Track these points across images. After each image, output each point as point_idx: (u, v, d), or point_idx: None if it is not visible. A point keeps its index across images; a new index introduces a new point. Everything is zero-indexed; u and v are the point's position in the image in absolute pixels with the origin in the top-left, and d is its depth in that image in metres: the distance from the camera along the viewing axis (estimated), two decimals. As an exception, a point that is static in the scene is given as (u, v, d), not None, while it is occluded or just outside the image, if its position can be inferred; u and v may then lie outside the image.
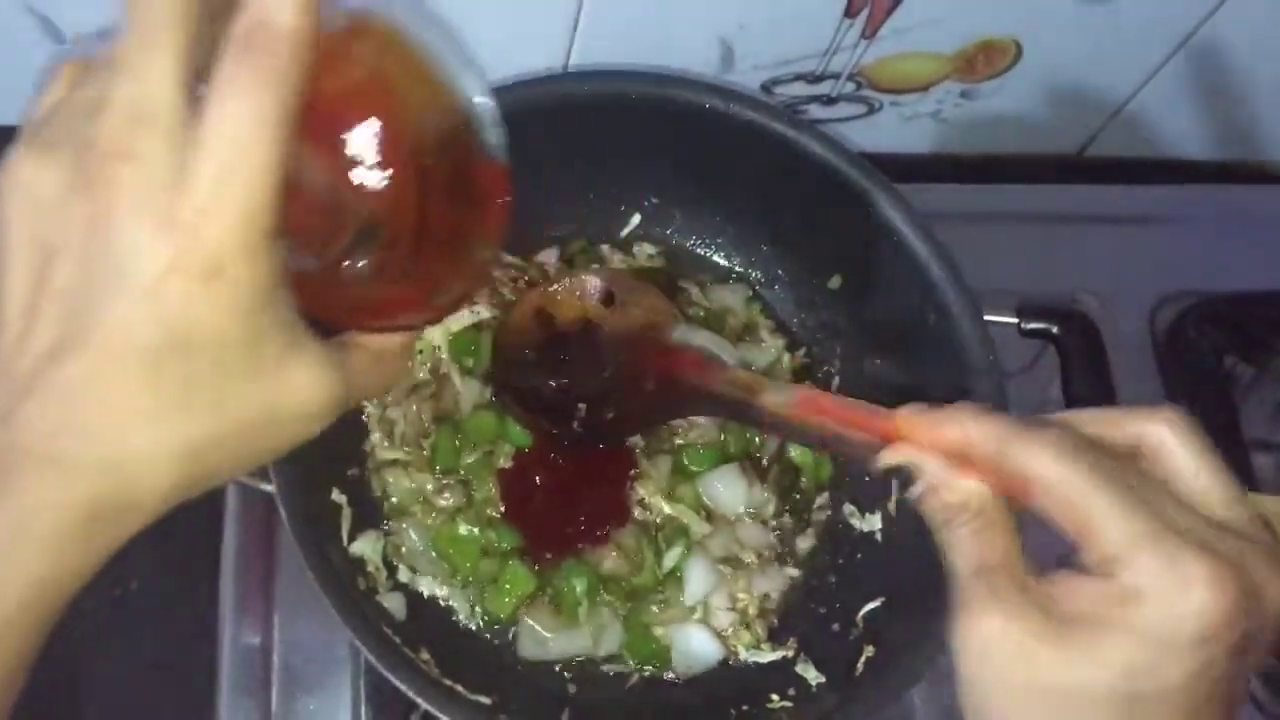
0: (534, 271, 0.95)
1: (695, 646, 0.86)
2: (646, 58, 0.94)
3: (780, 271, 0.98)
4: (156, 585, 0.87)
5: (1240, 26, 1.00)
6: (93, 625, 0.86)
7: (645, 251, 0.99)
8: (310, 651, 0.84)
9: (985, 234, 1.04)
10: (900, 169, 0.93)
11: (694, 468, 0.89)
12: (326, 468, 0.82)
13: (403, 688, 0.70)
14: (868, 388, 0.93)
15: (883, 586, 0.86)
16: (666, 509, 0.87)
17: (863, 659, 0.82)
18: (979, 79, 1.04)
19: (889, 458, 0.55)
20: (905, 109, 1.07)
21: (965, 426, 0.52)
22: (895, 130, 1.09)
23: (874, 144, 1.09)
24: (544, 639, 0.85)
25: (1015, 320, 0.85)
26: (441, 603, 0.85)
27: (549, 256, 0.96)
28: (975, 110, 1.08)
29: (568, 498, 0.87)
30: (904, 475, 0.55)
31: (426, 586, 0.85)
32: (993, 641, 0.49)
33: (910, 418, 0.55)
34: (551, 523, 0.86)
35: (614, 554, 0.86)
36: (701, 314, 0.95)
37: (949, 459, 0.53)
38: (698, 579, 0.87)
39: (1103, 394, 0.82)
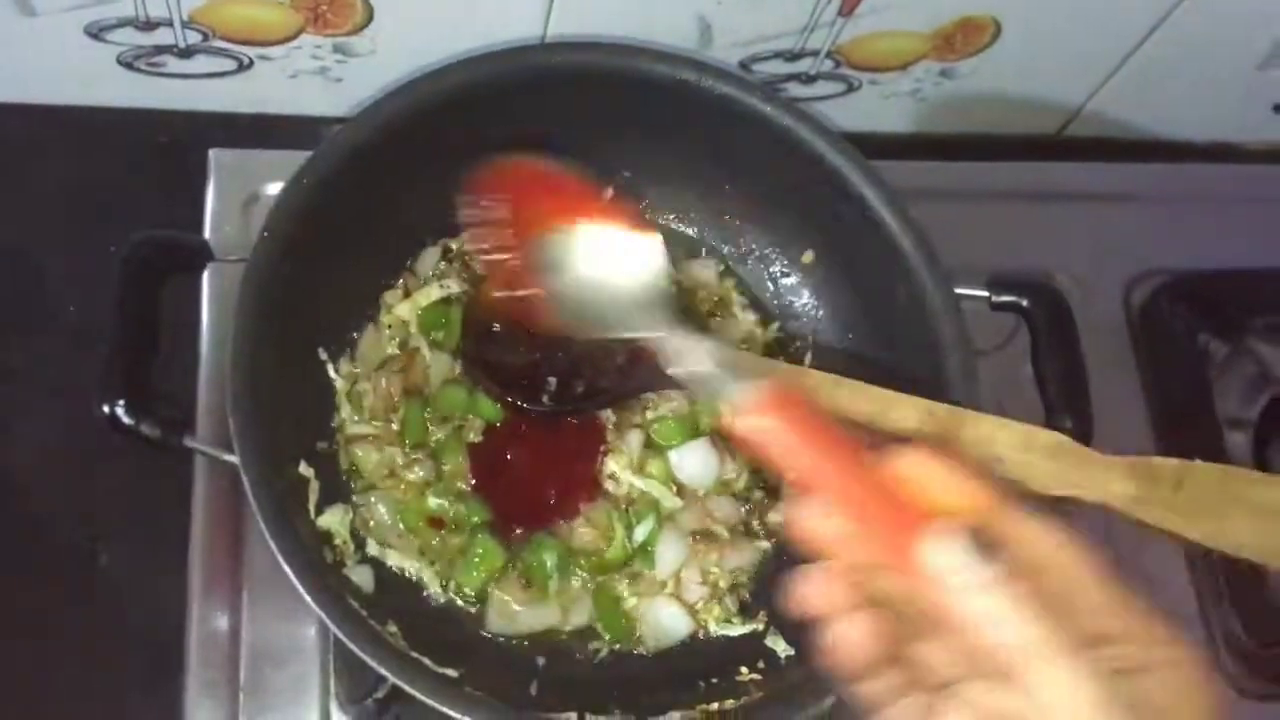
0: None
1: (665, 620, 0.86)
2: (624, 31, 0.93)
3: (753, 246, 0.98)
4: (126, 558, 0.87)
5: (1215, 8, 1.00)
6: (62, 598, 0.85)
7: None
8: (278, 626, 0.83)
9: (962, 212, 1.04)
10: (879, 148, 0.93)
11: (664, 442, 0.89)
12: (294, 440, 0.82)
13: (367, 660, 0.69)
14: (840, 363, 0.93)
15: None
16: (637, 483, 0.87)
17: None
18: (958, 57, 1.03)
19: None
20: (884, 88, 1.06)
21: None
22: (874, 109, 1.09)
23: (852, 123, 1.09)
24: (513, 613, 0.84)
25: (986, 294, 0.85)
26: (410, 576, 0.85)
27: None
28: (954, 89, 1.07)
29: (538, 472, 0.87)
30: None
31: (395, 560, 0.84)
32: None
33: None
34: (521, 497, 0.86)
35: (584, 528, 0.86)
36: (673, 288, 0.95)
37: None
38: (669, 553, 0.86)
39: (1072, 367, 0.82)
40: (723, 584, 0.88)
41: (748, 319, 0.97)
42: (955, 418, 0.75)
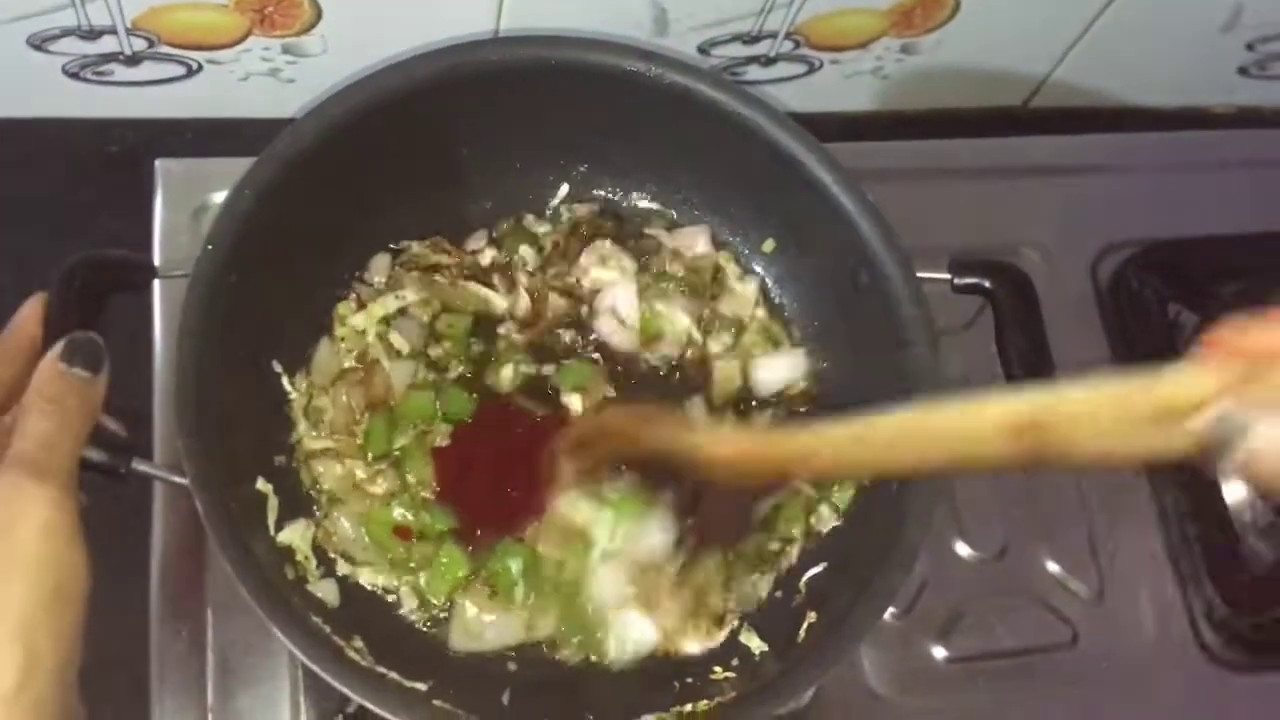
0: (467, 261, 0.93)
1: (631, 632, 0.84)
2: (579, 21, 0.92)
3: (714, 236, 0.96)
4: (93, 581, 0.85)
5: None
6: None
7: (578, 211, 0.96)
8: (245, 645, 0.82)
9: (927, 190, 1.04)
10: (843, 128, 0.92)
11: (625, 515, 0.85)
12: (250, 457, 0.80)
13: (327, 678, 0.68)
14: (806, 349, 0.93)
15: (825, 552, 0.86)
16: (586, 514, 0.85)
17: (805, 625, 0.81)
18: (918, 33, 1.02)
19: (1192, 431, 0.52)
20: (845, 67, 1.05)
21: None
22: (836, 89, 1.08)
23: (815, 104, 1.08)
24: (478, 629, 0.82)
25: (948, 276, 0.83)
26: (377, 590, 0.83)
27: (478, 242, 0.94)
28: (916, 65, 1.07)
29: (504, 471, 0.86)
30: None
31: (366, 577, 0.83)
32: None
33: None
34: (488, 498, 0.85)
35: (548, 535, 0.84)
36: (680, 272, 0.94)
37: None
38: (609, 587, 0.84)
39: (1036, 346, 0.81)
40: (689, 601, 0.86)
41: (747, 289, 0.95)
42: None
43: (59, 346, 0.67)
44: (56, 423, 0.64)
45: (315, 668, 0.69)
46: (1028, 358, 0.80)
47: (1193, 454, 0.55)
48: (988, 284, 0.82)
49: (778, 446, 0.74)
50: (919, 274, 0.82)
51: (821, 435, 0.71)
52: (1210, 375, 0.53)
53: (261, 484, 0.80)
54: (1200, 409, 0.53)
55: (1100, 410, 0.59)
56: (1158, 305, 1.02)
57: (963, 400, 0.63)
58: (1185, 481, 0.98)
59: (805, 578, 0.85)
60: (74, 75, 0.93)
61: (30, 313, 0.73)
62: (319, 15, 0.89)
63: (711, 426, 0.85)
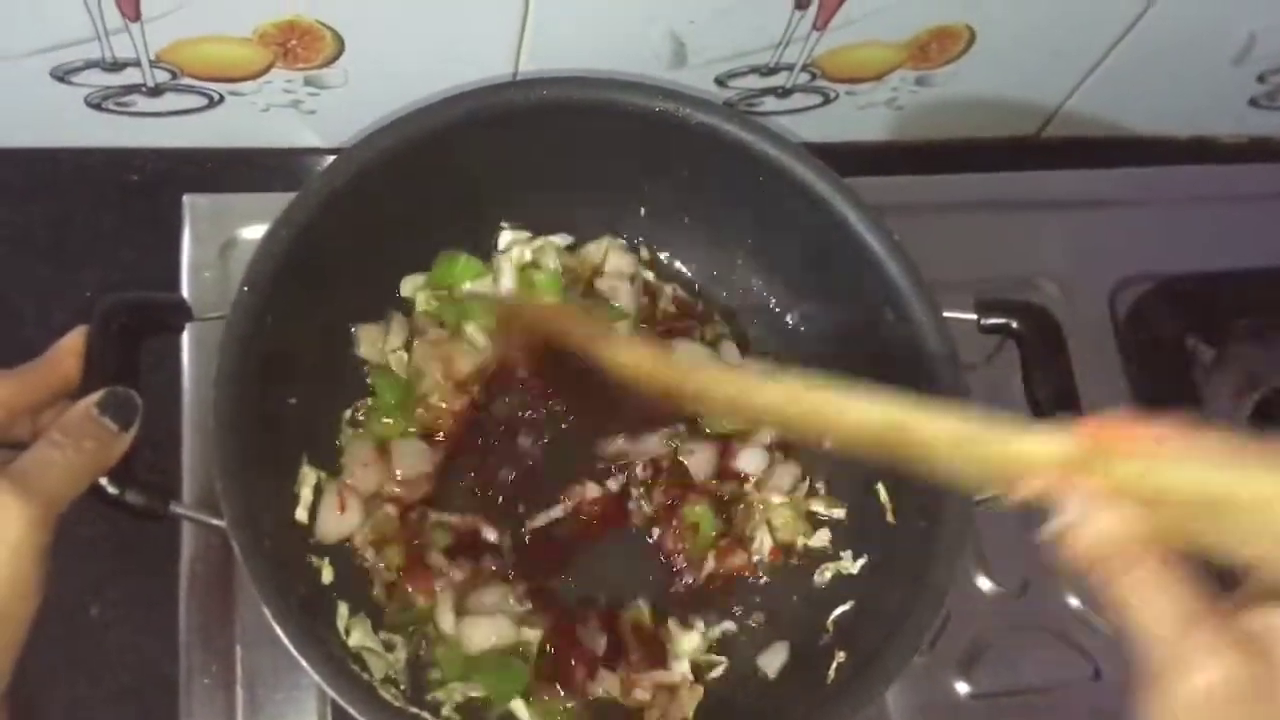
0: None
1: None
2: (597, 58, 0.92)
3: (737, 273, 0.97)
4: (117, 610, 0.85)
5: (1188, 7, 1.00)
6: (53, 652, 0.84)
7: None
8: (274, 681, 0.82)
9: (944, 223, 1.04)
10: (857, 159, 0.92)
11: None
12: (285, 495, 0.81)
13: (358, 716, 0.68)
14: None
15: (852, 590, 0.86)
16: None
17: (834, 665, 0.81)
18: (933, 65, 1.03)
19: (1026, 488, 0.52)
20: (860, 98, 1.06)
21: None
22: (851, 120, 1.08)
23: (830, 134, 1.08)
24: None
25: (974, 316, 0.84)
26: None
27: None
28: (931, 97, 1.07)
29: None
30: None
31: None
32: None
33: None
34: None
35: None
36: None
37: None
38: None
39: (1064, 387, 0.81)
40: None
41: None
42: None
43: (99, 394, 0.67)
44: (65, 454, 0.64)
45: (347, 705, 0.69)
46: (1056, 400, 0.81)
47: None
48: (1015, 324, 0.83)
49: (673, 371, 0.73)
50: (945, 313, 0.83)
51: (715, 376, 0.73)
52: (1059, 447, 0.53)
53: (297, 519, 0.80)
54: (1035, 474, 0.54)
55: (958, 442, 0.58)
56: (1174, 338, 1.03)
57: (844, 391, 0.63)
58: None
59: (833, 616, 0.85)
60: (96, 106, 0.93)
61: (71, 346, 0.71)
62: (341, 48, 0.89)
63: (628, 339, 0.84)
